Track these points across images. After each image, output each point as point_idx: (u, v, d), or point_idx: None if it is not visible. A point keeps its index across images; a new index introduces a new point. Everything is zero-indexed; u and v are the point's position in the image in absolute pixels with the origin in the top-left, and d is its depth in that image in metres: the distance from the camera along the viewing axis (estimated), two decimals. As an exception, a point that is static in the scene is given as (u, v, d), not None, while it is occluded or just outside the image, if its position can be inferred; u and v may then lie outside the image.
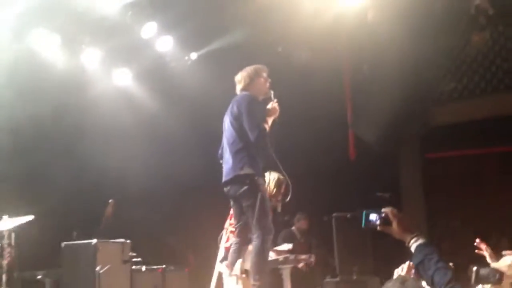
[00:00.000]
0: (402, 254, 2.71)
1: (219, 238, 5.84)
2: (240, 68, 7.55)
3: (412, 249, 2.46)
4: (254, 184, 4.69)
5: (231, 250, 5.11)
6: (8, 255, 5.60)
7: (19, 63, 6.69)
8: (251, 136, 4.73)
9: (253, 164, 4.73)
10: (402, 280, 2.39)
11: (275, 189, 5.40)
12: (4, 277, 5.54)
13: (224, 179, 4.88)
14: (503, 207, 7.47)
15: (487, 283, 2.11)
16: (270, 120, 4.90)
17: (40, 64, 6.96)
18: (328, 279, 6.84)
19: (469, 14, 6.98)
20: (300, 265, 5.68)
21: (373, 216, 2.49)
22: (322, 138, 7.62)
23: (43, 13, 6.51)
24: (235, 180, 4.77)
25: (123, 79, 8.06)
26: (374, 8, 6.88)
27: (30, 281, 6.28)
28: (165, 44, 7.65)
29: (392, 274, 3.91)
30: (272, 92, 5.05)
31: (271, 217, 4.83)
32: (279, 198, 5.50)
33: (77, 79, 7.41)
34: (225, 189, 4.89)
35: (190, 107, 8.04)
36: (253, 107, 4.83)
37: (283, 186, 5.51)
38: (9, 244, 5.65)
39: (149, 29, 7.25)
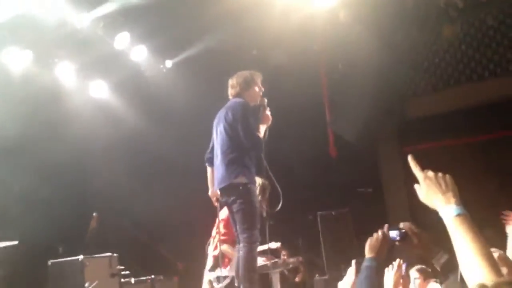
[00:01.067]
0: (389, 251, 2.76)
1: (206, 246, 5.85)
2: (216, 74, 7.59)
3: (438, 265, 2.46)
4: (247, 193, 4.72)
5: (234, 261, 5.10)
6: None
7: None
8: (248, 144, 4.73)
9: (246, 173, 4.75)
10: None
11: (260, 195, 5.42)
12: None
13: (217, 186, 4.89)
14: (485, 197, 7.61)
15: None
16: (263, 128, 4.90)
17: (13, 81, 6.87)
18: (317, 278, 6.90)
19: (439, 7, 7.08)
20: (296, 279, 5.72)
21: (393, 233, 2.57)
22: (303, 138, 7.68)
23: (13, 30, 6.43)
24: (229, 188, 4.77)
25: (100, 91, 8.01)
26: (345, 6, 6.94)
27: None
28: (139, 54, 7.62)
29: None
30: (265, 100, 5.04)
31: (258, 226, 4.86)
32: (264, 203, 5.55)
33: (53, 94, 7.34)
34: (220, 198, 4.89)
35: (168, 114, 8.02)
36: (249, 114, 4.83)
37: (267, 192, 5.55)
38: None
39: (122, 40, 7.21)
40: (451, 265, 2.37)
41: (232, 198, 4.76)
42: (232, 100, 5.04)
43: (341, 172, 7.63)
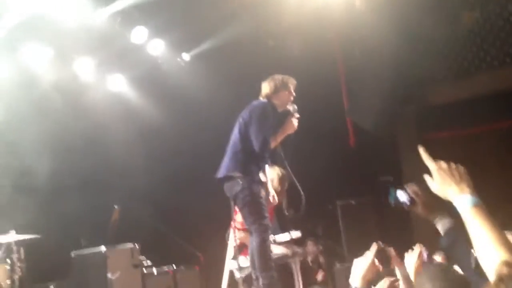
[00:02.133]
0: (408, 237, 2.75)
1: (226, 235, 5.90)
2: (233, 66, 7.63)
3: (440, 228, 2.43)
4: (245, 186, 4.79)
5: (249, 251, 5.16)
6: (19, 269, 5.68)
7: (13, 78, 6.72)
8: (255, 145, 4.79)
9: (245, 169, 4.82)
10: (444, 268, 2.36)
11: (279, 186, 5.48)
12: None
13: (217, 175, 4.98)
14: (505, 184, 7.51)
15: None
16: (282, 135, 4.96)
17: (34, 77, 6.98)
18: (338, 266, 6.90)
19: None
20: (319, 278, 5.72)
21: (401, 194, 2.45)
22: (322, 128, 7.66)
23: (33, 27, 6.53)
24: (226, 180, 4.89)
25: (118, 85, 8.09)
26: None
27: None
28: (157, 48, 7.67)
29: (401, 257, 3.96)
30: (295, 107, 5.05)
31: (267, 216, 4.91)
32: (283, 195, 5.59)
33: (72, 89, 7.43)
34: (223, 185, 4.97)
35: (186, 107, 8.06)
36: (265, 117, 4.87)
37: (286, 183, 5.59)
38: (19, 259, 5.72)
39: (139, 34, 7.27)
40: (456, 232, 2.34)
41: (232, 193, 4.85)
42: (257, 100, 5.09)
43: (361, 161, 7.60)
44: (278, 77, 5.11)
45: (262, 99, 5.10)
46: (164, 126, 7.89)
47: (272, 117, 4.94)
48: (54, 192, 6.81)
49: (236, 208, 5.16)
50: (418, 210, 2.45)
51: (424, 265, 3.37)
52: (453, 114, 7.49)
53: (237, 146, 4.96)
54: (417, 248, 3.53)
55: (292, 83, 5.13)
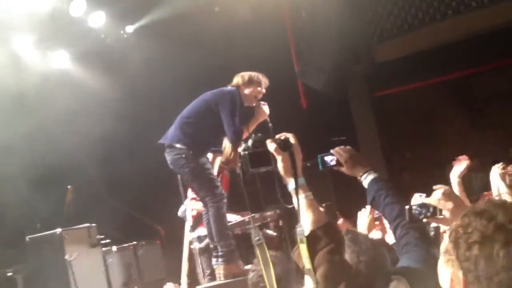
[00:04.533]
0: (364, 197, 2.79)
1: (179, 210, 5.87)
2: (180, 36, 7.46)
3: (365, 185, 2.52)
4: (189, 160, 4.80)
5: (204, 222, 5.19)
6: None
7: None
8: (229, 134, 4.81)
9: (191, 143, 4.82)
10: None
11: (232, 153, 5.48)
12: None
13: (161, 140, 4.98)
14: (455, 134, 7.74)
15: (422, 219, 2.16)
16: (255, 124, 5.00)
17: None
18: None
19: None
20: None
21: (328, 158, 2.58)
22: (274, 92, 7.61)
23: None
24: (169, 148, 4.89)
25: (61, 61, 7.81)
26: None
27: (1, 279, 6.20)
28: (98, 20, 7.42)
29: (356, 217, 4.04)
30: (263, 103, 5.04)
31: (218, 184, 4.93)
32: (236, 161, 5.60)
33: (14, 68, 7.12)
34: (165, 151, 4.94)
35: (133, 81, 7.88)
36: (235, 105, 4.85)
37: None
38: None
39: (78, 7, 7.00)
40: (378, 184, 2.45)
41: (177, 167, 4.87)
42: (229, 87, 5.07)
43: (313, 122, 7.64)
44: (254, 73, 5.13)
45: (231, 87, 5.06)
46: (110, 100, 7.68)
47: (239, 107, 4.92)
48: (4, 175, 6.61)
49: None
50: (344, 169, 2.54)
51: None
52: (401, 69, 7.58)
53: (190, 119, 4.93)
54: (368, 206, 3.65)
55: (265, 82, 5.14)
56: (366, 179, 2.51)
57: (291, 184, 2.04)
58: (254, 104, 5.07)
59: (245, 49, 7.19)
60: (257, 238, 2.10)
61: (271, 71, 7.44)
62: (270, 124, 5.06)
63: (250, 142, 2.21)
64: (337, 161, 2.54)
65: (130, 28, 7.86)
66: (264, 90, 5.14)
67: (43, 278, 6.17)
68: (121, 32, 7.84)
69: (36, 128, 7.13)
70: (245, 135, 4.89)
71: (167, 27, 7.65)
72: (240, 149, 4.98)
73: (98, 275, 6.36)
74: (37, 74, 7.40)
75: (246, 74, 5.10)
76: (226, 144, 5.53)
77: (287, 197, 2.13)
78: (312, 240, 1.91)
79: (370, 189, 2.50)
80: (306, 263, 1.90)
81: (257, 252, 2.06)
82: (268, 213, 5.79)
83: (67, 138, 7.32)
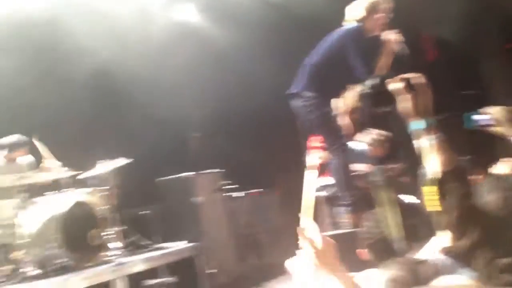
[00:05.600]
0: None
1: (305, 158, 5.93)
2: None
3: None
4: (312, 106, 4.80)
5: (329, 171, 5.21)
6: (114, 195, 6.01)
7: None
8: (360, 75, 4.60)
9: (320, 89, 4.80)
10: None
11: (358, 103, 5.41)
12: (115, 215, 5.96)
13: (290, 90, 4.95)
14: None
15: None
16: (386, 56, 4.74)
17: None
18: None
19: None
20: None
21: (478, 116, 2.51)
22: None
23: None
24: (297, 96, 4.89)
25: (187, 13, 8.02)
26: None
27: (136, 217, 6.69)
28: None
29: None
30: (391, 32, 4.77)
31: (343, 134, 4.89)
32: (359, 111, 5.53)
33: (142, 20, 7.42)
34: (292, 101, 4.94)
35: (257, 30, 7.87)
36: (362, 44, 4.72)
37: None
38: (115, 186, 6.04)
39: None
40: None
41: (304, 114, 4.86)
42: (347, 25, 4.91)
43: (443, 75, 7.28)
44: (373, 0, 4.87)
45: (351, 22, 4.92)
46: (237, 53, 7.78)
47: (365, 42, 4.78)
48: (141, 122, 7.03)
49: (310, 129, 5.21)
50: (498, 129, 2.45)
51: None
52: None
53: (317, 66, 4.89)
54: None
55: (388, 7, 4.86)
56: None
57: (417, 124, 1.95)
58: (381, 34, 4.82)
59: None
60: (379, 179, 2.05)
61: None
62: (403, 52, 4.75)
63: (370, 82, 2.16)
64: (489, 120, 2.45)
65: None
66: (388, 15, 4.87)
67: (173, 218, 6.59)
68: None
69: (160, 79, 7.46)
70: (379, 71, 4.73)
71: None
72: (359, 89, 4.91)
73: (221, 219, 6.69)
74: (164, 26, 7.67)
75: (363, 5, 4.86)
76: (349, 93, 5.48)
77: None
78: (444, 182, 1.83)
79: None
80: (434, 206, 1.82)
81: (381, 194, 2.01)
82: (394, 166, 5.67)
83: (191, 88, 7.58)
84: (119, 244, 5.88)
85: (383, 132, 5.43)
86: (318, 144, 5.53)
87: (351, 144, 5.41)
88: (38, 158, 5.99)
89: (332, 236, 4.57)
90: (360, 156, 5.46)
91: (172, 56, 7.57)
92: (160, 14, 7.67)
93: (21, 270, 5.14)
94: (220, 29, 7.98)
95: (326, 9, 6.12)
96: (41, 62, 6.42)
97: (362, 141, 5.47)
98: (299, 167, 5.53)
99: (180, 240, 6.42)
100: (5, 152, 5.99)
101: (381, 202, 1.99)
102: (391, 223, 1.98)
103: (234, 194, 6.96)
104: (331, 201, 5.65)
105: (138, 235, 6.37)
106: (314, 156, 5.73)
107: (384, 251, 2.34)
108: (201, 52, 7.79)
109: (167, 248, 6.27)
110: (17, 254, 5.26)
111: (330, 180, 5.47)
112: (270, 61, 7.48)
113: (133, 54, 7.14)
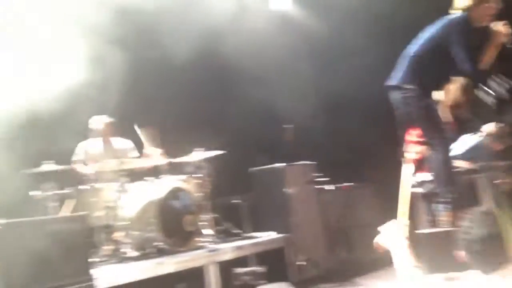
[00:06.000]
0: None
1: (399, 152, 5.72)
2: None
3: None
4: (413, 98, 4.60)
5: (428, 166, 5.03)
6: (208, 183, 6.17)
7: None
8: (465, 69, 4.45)
9: (421, 82, 4.60)
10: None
11: (463, 96, 5.18)
12: (207, 203, 6.13)
13: (389, 82, 4.78)
14: None
15: None
16: (492, 49, 4.49)
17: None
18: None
19: None
20: None
21: None
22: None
23: None
24: (397, 89, 4.69)
25: (285, 3, 8.02)
26: None
27: (228, 206, 6.83)
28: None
29: None
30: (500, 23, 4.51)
31: (444, 128, 4.68)
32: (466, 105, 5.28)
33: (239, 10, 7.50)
34: (391, 93, 4.78)
35: (355, 23, 7.70)
36: (468, 36, 4.49)
37: (469, 91, 5.23)
38: (208, 174, 6.20)
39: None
40: None
41: (405, 106, 4.67)
42: (454, 14, 4.67)
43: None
44: None
45: (457, 12, 4.67)
46: (332, 45, 7.67)
47: (471, 33, 4.53)
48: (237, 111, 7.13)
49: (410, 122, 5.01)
50: None
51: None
52: None
53: (419, 58, 4.70)
54: None
55: None
56: None
57: None
58: (488, 24, 4.53)
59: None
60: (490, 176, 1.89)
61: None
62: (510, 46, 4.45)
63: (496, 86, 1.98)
64: None
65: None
66: (497, 5, 4.56)
67: (264, 208, 6.65)
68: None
69: (258, 70, 7.51)
70: (483, 64, 4.47)
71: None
72: (483, 96, 4.65)
73: (312, 211, 6.64)
74: (260, 16, 7.72)
75: None
76: (453, 86, 5.22)
77: None
78: None
79: None
80: None
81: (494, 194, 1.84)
82: (501, 164, 5.33)
83: (289, 79, 7.59)
84: (211, 231, 6.02)
85: (503, 125, 5.14)
86: (416, 138, 5.37)
87: (461, 138, 5.18)
88: (140, 145, 6.27)
89: (428, 235, 4.40)
90: (474, 151, 5.22)
91: (270, 46, 7.61)
92: (258, 4, 7.74)
93: (121, 250, 5.42)
94: (319, 19, 7.90)
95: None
96: (141, 49, 6.64)
97: (479, 134, 5.22)
98: (394, 161, 5.40)
99: (270, 230, 6.46)
100: (99, 136, 6.30)
101: (487, 201, 1.85)
102: (502, 225, 1.84)
103: (326, 187, 6.88)
104: (429, 197, 5.44)
105: (229, 223, 6.49)
106: (412, 150, 5.57)
107: (484, 254, 2.19)
108: (300, 43, 7.77)
109: (257, 237, 6.33)
110: (118, 235, 5.55)
111: (428, 176, 5.26)
112: (369, 52, 7.30)
113: (229, 44, 7.28)
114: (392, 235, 2.52)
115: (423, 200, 5.46)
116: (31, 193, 5.60)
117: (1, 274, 3.44)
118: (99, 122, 6.31)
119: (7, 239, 3.66)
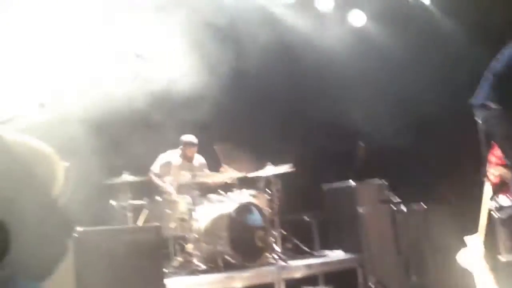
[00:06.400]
0: None
1: (481, 172, 5.46)
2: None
3: None
4: (498, 118, 4.39)
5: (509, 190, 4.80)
6: (277, 199, 6.16)
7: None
8: None
9: (506, 102, 4.37)
10: None
11: None
12: (276, 219, 6.11)
13: (473, 100, 4.59)
14: None
15: None
16: None
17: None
18: None
19: None
20: None
21: None
22: None
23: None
24: (481, 108, 4.48)
25: (358, 20, 7.97)
26: None
27: (298, 222, 6.78)
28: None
29: None
30: None
31: None
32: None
33: (313, 27, 7.53)
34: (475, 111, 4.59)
35: (432, 41, 7.50)
36: None
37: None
38: (278, 190, 6.20)
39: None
40: None
41: (488, 126, 4.49)
42: None
43: None
44: None
45: None
46: (408, 64, 7.51)
47: None
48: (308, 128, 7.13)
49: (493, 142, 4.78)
50: None
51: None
52: None
53: (500, 75, 4.50)
54: None
55: None
56: None
57: None
58: None
59: None
60: None
61: None
62: None
63: None
64: None
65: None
66: None
67: (333, 225, 6.55)
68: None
69: (326, 84, 7.49)
70: None
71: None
72: None
73: (385, 232, 6.47)
74: (338, 32, 7.70)
75: None
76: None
77: None
78: None
79: None
80: None
81: None
82: None
83: (358, 95, 7.50)
84: (279, 248, 6.00)
85: None
86: (498, 160, 5.11)
87: None
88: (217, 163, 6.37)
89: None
90: None
91: (348, 63, 7.58)
92: (334, 21, 7.74)
93: (192, 262, 5.51)
94: (395, 35, 7.79)
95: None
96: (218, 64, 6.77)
97: None
98: (472, 181, 5.16)
99: (338, 248, 6.35)
100: (179, 150, 6.47)
101: None
102: None
103: (399, 207, 6.67)
104: (509, 224, 5.15)
105: (298, 240, 6.44)
106: (493, 172, 5.31)
107: None
108: (379, 60, 7.68)
109: (326, 256, 6.23)
110: (189, 247, 5.65)
111: (508, 200, 4.98)
112: (443, 70, 7.09)
113: (307, 61, 7.31)
114: (473, 256, 2.41)
115: (503, 226, 5.18)
116: (111, 202, 5.83)
117: (77, 281, 3.56)
118: (189, 141, 6.46)
119: (84, 246, 3.76)
